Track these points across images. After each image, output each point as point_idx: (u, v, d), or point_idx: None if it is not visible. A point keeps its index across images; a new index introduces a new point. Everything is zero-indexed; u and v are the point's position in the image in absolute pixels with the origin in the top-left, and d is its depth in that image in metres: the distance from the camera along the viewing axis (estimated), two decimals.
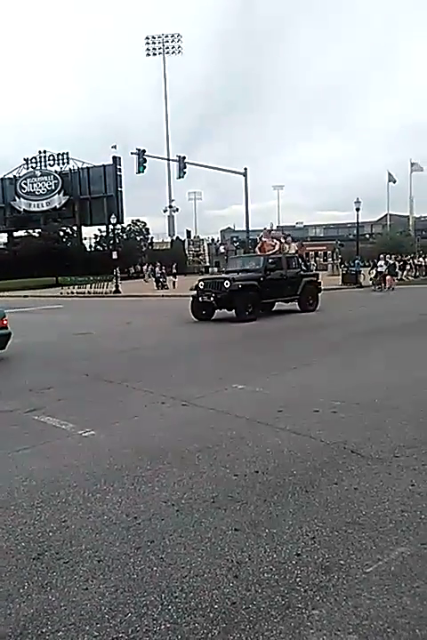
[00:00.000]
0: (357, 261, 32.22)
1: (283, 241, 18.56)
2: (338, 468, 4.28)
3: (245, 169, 32.35)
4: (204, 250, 66.36)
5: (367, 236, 70.32)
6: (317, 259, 64.87)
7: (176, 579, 2.86)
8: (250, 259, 18.25)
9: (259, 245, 18.66)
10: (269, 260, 16.67)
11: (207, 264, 61.44)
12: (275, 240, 18.03)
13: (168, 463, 4.53)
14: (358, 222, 40.07)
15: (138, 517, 3.58)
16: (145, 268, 50.21)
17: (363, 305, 20.26)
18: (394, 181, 73.24)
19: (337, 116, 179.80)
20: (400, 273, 31.94)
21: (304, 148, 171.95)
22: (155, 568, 2.98)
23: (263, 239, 18.41)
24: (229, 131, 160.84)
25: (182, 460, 4.58)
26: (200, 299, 15.78)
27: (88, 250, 64.26)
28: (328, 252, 57.41)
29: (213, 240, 79.13)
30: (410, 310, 17.31)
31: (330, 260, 48.44)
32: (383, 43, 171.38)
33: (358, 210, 36.36)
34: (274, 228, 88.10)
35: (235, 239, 72.69)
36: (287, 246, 18.22)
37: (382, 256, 28.98)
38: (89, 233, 66.00)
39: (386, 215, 79.12)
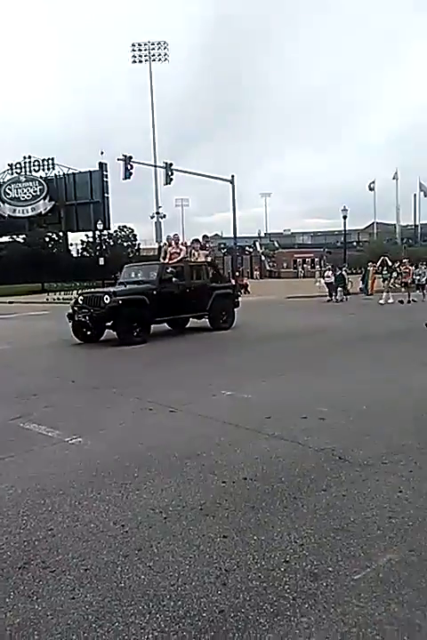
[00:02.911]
0: (344, 269, 32.43)
1: (186, 247, 16.06)
2: (326, 475, 4.28)
3: (233, 176, 32.38)
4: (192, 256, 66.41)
5: (355, 243, 70.90)
6: (304, 265, 65.38)
7: (164, 586, 2.84)
8: (144, 268, 15.23)
9: (162, 254, 16.13)
10: (168, 270, 14.07)
11: None
12: (181, 247, 15.67)
13: (156, 470, 4.50)
14: (345, 230, 40.59)
15: (125, 525, 3.55)
16: None
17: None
18: (371, 189, 74.55)
19: (324, 124, 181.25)
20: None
21: (292, 156, 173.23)
22: (143, 576, 2.95)
23: (167, 247, 15.91)
24: (217, 137, 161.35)
25: (170, 467, 4.56)
26: (76, 318, 13.35)
27: (75, 256, 63.89)
28: (316, 260, 57.94)
29: None
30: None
31: (317, 267, 48.84)
32: (369, 54, 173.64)
33: (345, 217, 36.84)
34: (262, 234, 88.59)
35: (222, 246, 72.90)
36: (195, 254, 15.81)
37: (329, 267, 28.45)
38: (76, 239, 65.57)
39: (373, 223, 79.89)
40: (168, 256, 15.28)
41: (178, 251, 15.30)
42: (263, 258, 71.36)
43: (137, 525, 3.54)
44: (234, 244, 36.31)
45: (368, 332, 13.58)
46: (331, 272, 26.65)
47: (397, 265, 26.71)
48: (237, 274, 34.64)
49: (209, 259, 16.32)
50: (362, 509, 3.66)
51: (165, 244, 16.31)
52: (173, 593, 2.78)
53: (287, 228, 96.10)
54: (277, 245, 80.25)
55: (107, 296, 12.94)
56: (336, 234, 69.00)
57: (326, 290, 26.47)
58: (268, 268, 69.36)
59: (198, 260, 15.60)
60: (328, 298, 25.85)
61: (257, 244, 77.63)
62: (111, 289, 14.13)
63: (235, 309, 15.57)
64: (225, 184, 32.85)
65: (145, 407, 6.62)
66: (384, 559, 3.04)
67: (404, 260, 25.94)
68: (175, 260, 14.90)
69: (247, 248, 71.85)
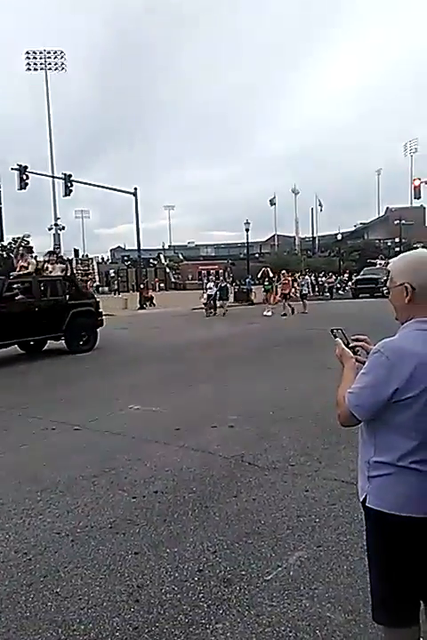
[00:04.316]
0: (248, 280, 33.34)
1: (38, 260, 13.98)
2: (237, 481, 4.33)
3: (136, 188, 32.05)
4: (93, 269, 64.87)
5: (257, 255, 73.20)
6: (209, 277, 66.44)
7: (73, 611, 2.70)
8: None
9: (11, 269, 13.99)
10: (13, 286, 12.15)
11: (97, 283, 60.16)
12: (30, 260, 13.79)
13: (61, 492, 4.30)
14: (247, 242, 41.70)
15: (28, 553, 3.34)
16: None
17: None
18: (273, 204, 78.22)
19: (226, 137, 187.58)
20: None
21: (195, 169, 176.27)
22: (49, 603, 2.78)
23: (18, 261, 13.88)
24: (119, 149, 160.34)
25: (77, 488, 4.37)
26: None
27: None
28: (220, 271, 59.10)
29: (102, 259, 77.89)
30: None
31: (222, 278, 49.82)
32: (269, 70, 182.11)
33: (247, 230, 37.88)
34: (167, 246, 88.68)
35: (126, 258, 72.18)
36: (49, 267, 14.01)
37: (212, 278, 27.61)
38: None
39: (274, 235, 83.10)
40: (18, 270, 13.36)
41: (26, 264, 13.39)
42: (168, 270, 71.56)
43: (41, 552, 3.34)
44: (138, 257, 35.97)
45: (271, 341, 13.99)
46: (213, 284, 25.30)
47: (275, 277, 25.92)
48: (142, 286, 34.36)
49: (68, 273, 14.48)
50: (272, 511, 3.74)
51: (18, 257, 14.20)
52: (83, 616, 2.65)
53: (191, 241, 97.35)
54: (181, 257, 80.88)
55: None
56: (239, 246, 70.89)
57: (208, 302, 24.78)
58: (173, 279, 69.65)
59: (53, 274, 13.78)
60: (207, 312, 24.18)
61: (162, 256, 77.74)
62: None
63: (97, 329, 13.76)
64: (128, 195, 32.52)
65: (47, 427, 6.31)
66: (294, 557, 3.12)
67: (283, 272, 25.01)
68: (21, 274, 13.01)
69: (152, 260, 71.75)
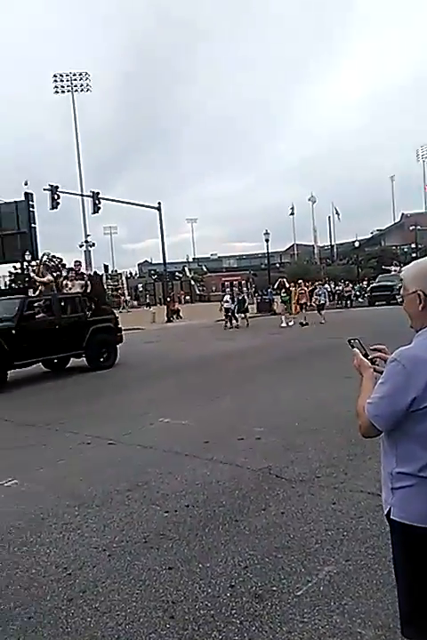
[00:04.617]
0: (269, 290, 33.36)
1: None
2: (265, 494, 4.40)
3: (159, 203, 32.57)
4: (122, 284, 65.80)
5: (277, 265, 72.86)
6: (233, 288, 66.46)
7: (111, 627, 2.82)
8: (5, 303, 12.56)
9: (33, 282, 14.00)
10: (33, 303, 12.17)
11: (127, 298, 61.02)
12: (48, 274, 13.63)
13: (97, 506, 4.44)
14: (268, 252, 41.73)
15: (68, 567, 3.48)
16: None
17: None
18: (292, 213, 78.22)
19: (244, 149, 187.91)
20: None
21: (216, 180, 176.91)
22: (89, 619, 2.91)
23: (33, 275, 13.77)
24: (143, 164, 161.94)
25: (112, 502, 4.51)
26: None
27: (2, 288, 61.43)
28: (243, 282, 59.25)
29: (130, 274, 78.76)
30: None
31: (245, 289, 49.88)
32: (284, 81, 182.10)
33: (267, 241, 37.90)
34: (191, 259, 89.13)
35: (152, 272, 72.95)
36: (69, 284, 13.85)
37: (228, 290, 26.76)
38: (3, 270, 63.18)
39: (293, 245, 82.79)
40: (38, 287, 13.43)
41: (45, 280, 13.41)
42: (193, 282, 71.99)
43: (80, 566, 3.48)
44: (164, 270, 36.41)
45: (292, 351, 14.00)
46: (229, 297, 24.73)
47: (292, 287, 25.59)
48: (168, 299, 34.71)
49: (89, 289, 13.92)
50: (300, 525, 3.80)
51: (34, 272, 14.53)
52: (120, 632, 2.76)
53: (214, 253, 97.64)
54: (205, 269, 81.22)
55: None
56: (260, 256, 70.68)
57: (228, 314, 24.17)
58: (198, 292, 70.03)
59: (72, 290, 13.62)
60: (226, 324, 23.73)
61: (186, 269, 78.31)
62: None
63: (117, 345, 13.64)
64: (153, 211, 32.96)
65: (83, 441, 6.49)
66: (324, 572, 3.17)
67: (299, 281, 24.67)
68: (37, 292, 13.14)
69: (177, 273, 72.34)
